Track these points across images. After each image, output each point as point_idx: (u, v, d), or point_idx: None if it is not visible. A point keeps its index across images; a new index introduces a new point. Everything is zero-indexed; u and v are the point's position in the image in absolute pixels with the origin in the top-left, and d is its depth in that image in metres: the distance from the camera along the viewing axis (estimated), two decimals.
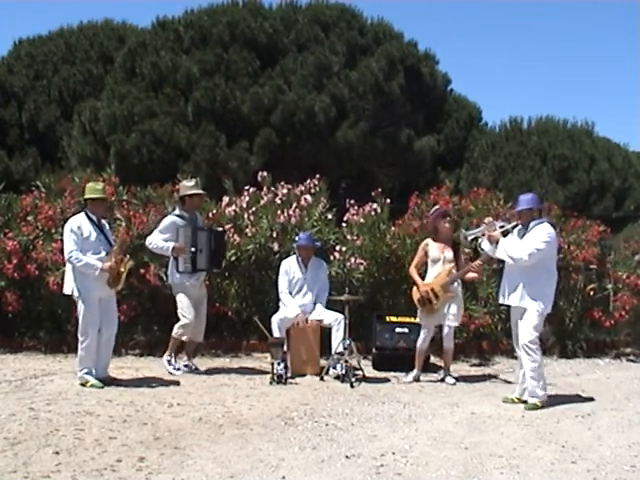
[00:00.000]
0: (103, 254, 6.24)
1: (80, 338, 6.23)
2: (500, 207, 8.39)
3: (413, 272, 6.93)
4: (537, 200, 6.00)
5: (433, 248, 6.83)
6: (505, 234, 6.04)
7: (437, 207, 7.24)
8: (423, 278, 6.84)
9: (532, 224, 5.85)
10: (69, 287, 6.29)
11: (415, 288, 6.82)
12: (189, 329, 6.88)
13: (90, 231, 6.21)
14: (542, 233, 5.77)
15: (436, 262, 6.80)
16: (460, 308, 6.84)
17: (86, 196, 6.39)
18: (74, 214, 6.62)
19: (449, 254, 6.77)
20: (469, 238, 6.58)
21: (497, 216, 7.48)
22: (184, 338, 6.92)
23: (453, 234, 6.99)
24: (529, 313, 5.79)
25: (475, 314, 7.90)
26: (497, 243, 5.96)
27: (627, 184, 14.14)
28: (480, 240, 6.34)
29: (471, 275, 6.85)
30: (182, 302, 6.89)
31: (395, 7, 39.59)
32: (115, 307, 6.50)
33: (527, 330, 5.80)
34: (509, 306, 6.08)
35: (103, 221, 6.44)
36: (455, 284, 6.76)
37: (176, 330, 6.90)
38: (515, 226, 6.05)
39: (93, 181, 7.41)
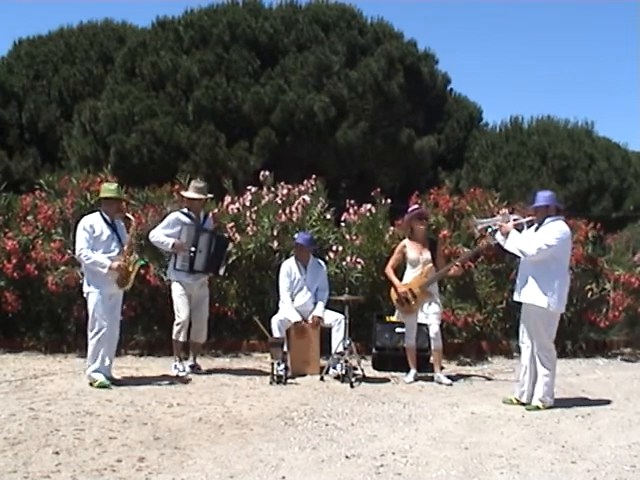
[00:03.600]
0: (115, 253, 6.32)
1: (90, 334, 6.27)
2: (496, 207, 8.39)
3: (390, 273, 6.96)
4: (554, 198, 5.96)
5: (411, 250, 6.87)
6: (519, 228, 6.02)
7: (415, 207, 7.21)
8: (400, 279, 6.89)
9: (547, 220, 5.79)
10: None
11: (393, 289, 6.86)
12: (184, 328, 6.91)
13: (102, 230, 6.31)
14: (555, 230, 5.72)
15: (415, 264, 6.83)
16: (440, 307, 6.88)
17: (100, 195, 6.54)
18: (80, 215, 6.77)
19: (427, 255, 6.82)
20: (479, 227, 6.57)
21: (492, 215, 7.47)
22: (181, 338, 6.92)
23: (428, 234, 7.11)
24: (540, 316, 5.72)
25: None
26: (508, 235, 5.95)
27: (626, 184, 14.12)
28: (490, 230, 6.31)
29: (451, 273, 6.87)
30: (176, 301, 6.93)
31: (395, 7, 39.52)
32: (120, 307, 6.55)
33: (541, 336, 5.73)
34: (519, 304, 6.01)
35: (117, 220, 6.51)
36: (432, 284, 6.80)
37: (174, 332, 6.94)
38: (530, 222, 6.02)
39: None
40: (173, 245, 6.84)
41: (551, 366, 5.76)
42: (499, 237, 6.06)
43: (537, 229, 5.87)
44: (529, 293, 5.77)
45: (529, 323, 5.85)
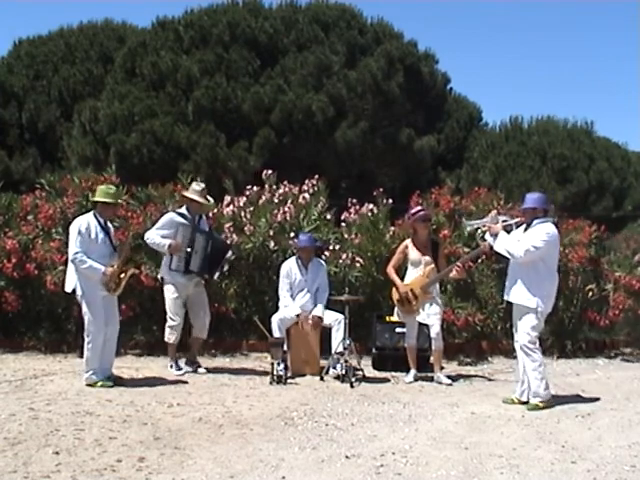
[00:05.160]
0: (107, 256, 6.25)
1: (86, 339, 6.21)
2: (500, 207, 8.38)
3: (391, 272, 6.95)
4: (543, 200, 5.97)
5: (413, 251, 6.86)
6: (508, 230, 6.04)
7: (419, 209, 7.17)
8: (401, 279, 6.88)
9: (535, 222, 5.84)
10: (70, 285, 6.28)
11: (394, 288, 6.86)
12: (176, 331, 6.89)
13: (97, 233, 6.23)
14: (542, 232, 5.76)
15: (416, 265, 6.83)
16: (441, 307, 6.88)
17: (97, 198, 6.37)
18: (81, 214, 6.62)
19: (428, 256, 6.81)
20: (468, 228, 6.61)
21: (499, 213, 7.48)
22: (173, 340, 6.90)
23: (431, 236, 7.09)
24: (527, 313, 5.79)
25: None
26: (496, 236, 5.98)
27: (626, 184, 14.14)
28: (480, 232, 6.35)
29: (454, 275, 6.88)
30: (169, 304, 6.89)
31: (395, 7, 39.63)
32: (116, 304, 6.49)
33: (525, 330, 5.81)
34: (511, 304, 6.06)
35: (108, 223, 6.46)
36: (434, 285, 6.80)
37: (166, 334, 6.93)
38: (519, 223, 6.05)
39: (104, 184, 7.36)
40: (169, 246, 6.80)
41: (538, 359, 5.81)
42: (488, 238, 6.11)
43: (525, 230, 5.91)
44: (519, 294, 5.84)
45: (517, 321, 5.92)
